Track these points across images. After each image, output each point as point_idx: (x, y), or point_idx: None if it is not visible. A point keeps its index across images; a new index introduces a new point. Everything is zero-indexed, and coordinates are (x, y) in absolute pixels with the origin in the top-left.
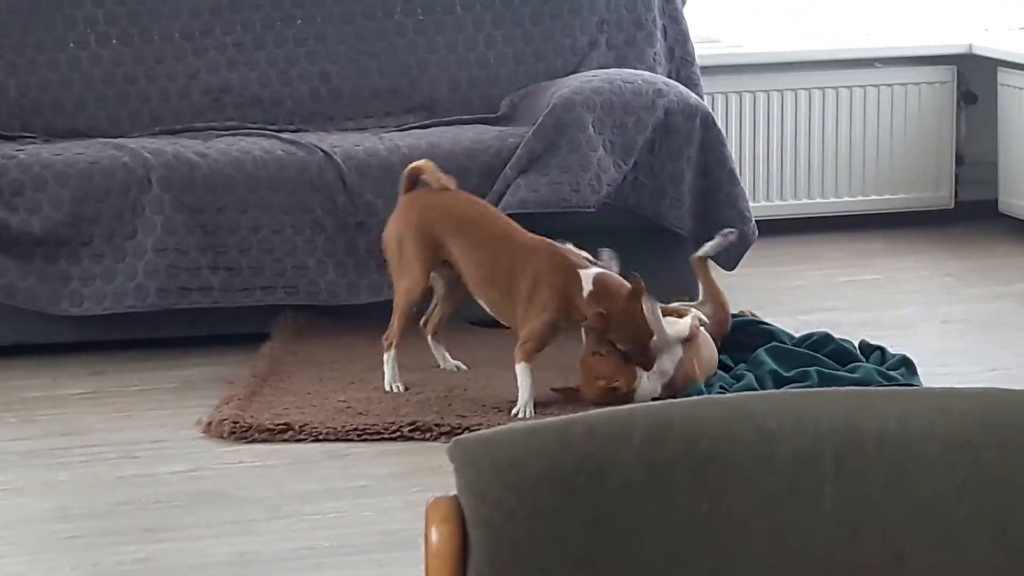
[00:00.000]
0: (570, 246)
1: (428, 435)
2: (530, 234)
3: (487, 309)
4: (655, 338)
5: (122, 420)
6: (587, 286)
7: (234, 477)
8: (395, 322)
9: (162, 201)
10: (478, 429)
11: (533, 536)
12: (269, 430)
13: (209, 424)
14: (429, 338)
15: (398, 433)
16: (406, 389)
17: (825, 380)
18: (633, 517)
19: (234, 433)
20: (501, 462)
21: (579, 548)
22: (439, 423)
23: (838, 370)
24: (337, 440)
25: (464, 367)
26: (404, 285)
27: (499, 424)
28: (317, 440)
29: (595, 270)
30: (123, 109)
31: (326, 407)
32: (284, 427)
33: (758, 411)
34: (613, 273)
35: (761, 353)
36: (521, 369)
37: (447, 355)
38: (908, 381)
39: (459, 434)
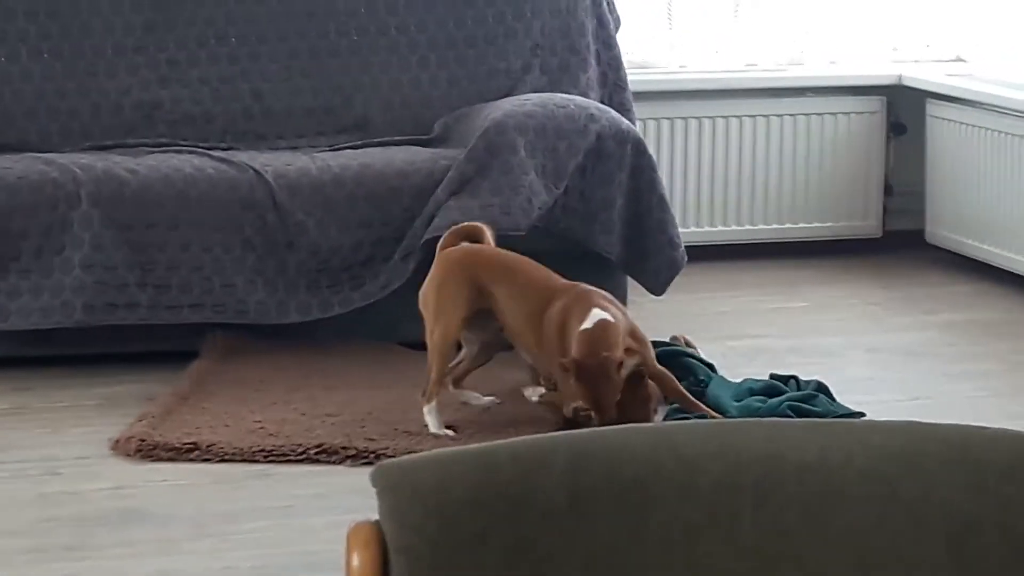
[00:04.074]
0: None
1: (334, 458)
2: (566, 280)
3: (526, 360)
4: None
5: (46, 436)
6: (586, 324)
7: (157, 496)
8: (433, 371)
9: (91, 217)
10: (386, 453)
11: (455, 562)
12: (176, 449)
13: (117, 441)
14: (451, 387)
15: (304, 456)
16: (456, 431)
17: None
18: (555, 544)
19: (140, 451)
20: (423, 488)
21: (500, 575)
22: (346, 446)
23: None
24: (246, 461)
25: (497, 400)
26: (440, 328)
27: (409, 448)
28: (223, 460)
29: (604, 314)
30: (54, 124)
31: (239, 427)
32: (191, 446)
33: (681, 440)
34: (620, 325)
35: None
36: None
37: (476, 394)
38: (827, 409)
39: (366, 458)
